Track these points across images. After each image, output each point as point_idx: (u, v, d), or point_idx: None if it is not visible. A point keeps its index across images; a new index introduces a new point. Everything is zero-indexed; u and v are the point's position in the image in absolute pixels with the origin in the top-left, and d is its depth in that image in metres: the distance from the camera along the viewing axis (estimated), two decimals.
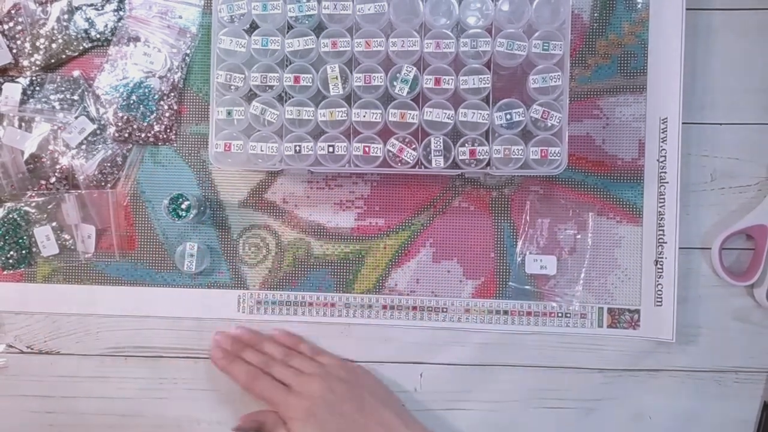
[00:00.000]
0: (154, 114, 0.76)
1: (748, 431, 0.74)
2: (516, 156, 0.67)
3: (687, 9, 0.73)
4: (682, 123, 0.73)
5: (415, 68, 0.67)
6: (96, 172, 0.76)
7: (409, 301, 0.75)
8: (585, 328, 0.74)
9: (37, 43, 0.76)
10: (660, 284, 0.73)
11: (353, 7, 0.67)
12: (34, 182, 0.76)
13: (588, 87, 0.74)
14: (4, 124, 0.76)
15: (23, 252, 0.77)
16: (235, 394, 0.75)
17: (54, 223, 0.76)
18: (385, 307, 0.76)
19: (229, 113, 0.69)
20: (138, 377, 0.77)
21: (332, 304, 0.76)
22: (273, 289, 0.76)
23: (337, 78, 0.68)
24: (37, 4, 0.76)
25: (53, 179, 0.76)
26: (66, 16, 0.76)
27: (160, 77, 0.76)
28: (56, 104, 0.76)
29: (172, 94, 0.76)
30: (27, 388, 0.77)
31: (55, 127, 0.76)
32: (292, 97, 0.69)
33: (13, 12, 0.77)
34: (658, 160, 0.74)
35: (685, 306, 0.74)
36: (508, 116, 0.67)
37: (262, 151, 0.69)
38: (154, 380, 0.76)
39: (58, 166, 0.76)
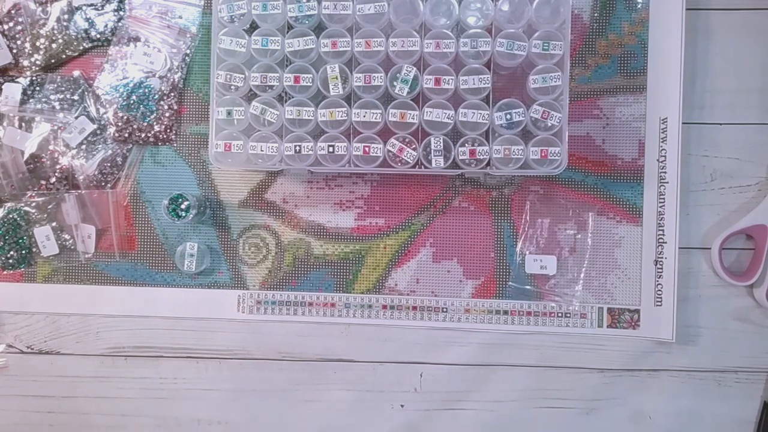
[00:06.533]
0: (154, 114, 0.76)
1: (748, 431, 0.74)
2: (516, 156, 0.67)
3: (687, 9, 0.73)
4: (682, 123, 0.73)
5: (415, 68, 0.67)
6: (96, 172, 0.76)
7: (409, 301, 0.75)
8: (585, 328, 0.74)
9: (37, 43, 0.76)
10: (660, 284, 0.73)
11: (353, 7, 0.67)
12: (34, 182, 0.76)
13: (588, 87, 0.74)
14: (4, 124, 0.76)
15: (23, 252, 0.77)
16: (236, 394, 0.75)
17: (54, 223, 0.76)
18: (385, 307, 0.76)
19: (229, 113, 0.69)
20: (138, 377, 0.77)
21: (332, 304, 0.76)
22: (273, 289, 0.76)
23: (337, 78, 0.68)
24: (37, 4, 0.76)
25: (53, 179, 0.76)
26: (66, 16, 0.76)
27: (160, 77, 0.76)
28: (56, 104, 0.76)
29: (172, 94, 0.76)
30: (27, 388, 0.77)
31: (55, 127, 0.76)
32: (292, 97, 0.69)
33: (13, 12, 0.77)
34: (658, 160, 0.74)
35: (685, 306, 0.74)
36: (508, 116, 0.67)
37: (262, 151, 0.69)
38: (154, 380, 0.76)
39: (58, 166, 0.76)
